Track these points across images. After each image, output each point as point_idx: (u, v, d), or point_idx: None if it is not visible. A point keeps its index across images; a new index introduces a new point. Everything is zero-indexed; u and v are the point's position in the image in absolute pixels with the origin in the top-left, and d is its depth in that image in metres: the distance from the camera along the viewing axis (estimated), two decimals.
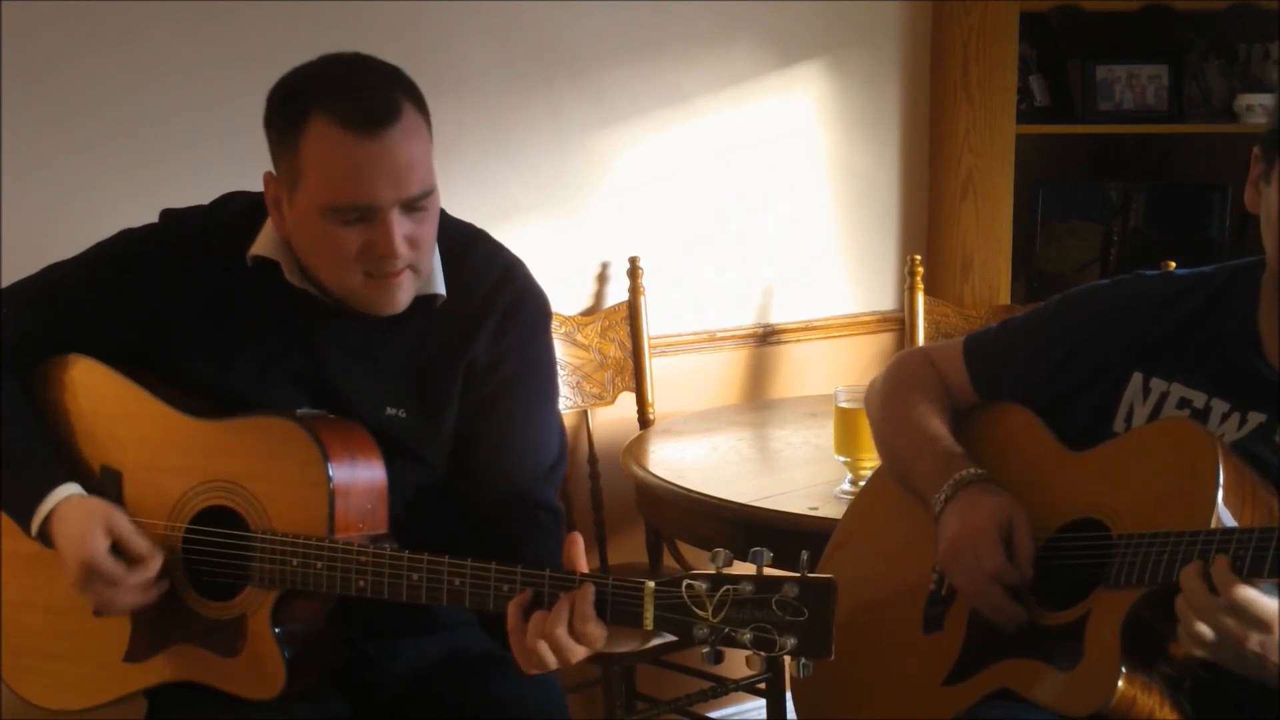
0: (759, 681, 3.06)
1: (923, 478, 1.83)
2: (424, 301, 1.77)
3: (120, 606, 1.71)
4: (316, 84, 1.65)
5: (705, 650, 1.50)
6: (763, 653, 1.48)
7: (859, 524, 2.00)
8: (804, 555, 1.50)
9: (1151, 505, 1.62)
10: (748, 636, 1.48)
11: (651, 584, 1.52)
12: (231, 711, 1.70)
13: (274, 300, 1.77)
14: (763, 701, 3.11)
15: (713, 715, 3.23)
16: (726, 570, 1.50)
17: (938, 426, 1.86)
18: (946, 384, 1.93)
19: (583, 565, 1.58)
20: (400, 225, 1.66)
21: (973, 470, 1.77)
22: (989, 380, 1.90)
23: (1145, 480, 1.65)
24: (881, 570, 1.89)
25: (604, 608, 1.54)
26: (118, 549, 1.70)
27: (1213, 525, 1.53)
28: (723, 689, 3.00)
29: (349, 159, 1.62)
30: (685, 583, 1.50)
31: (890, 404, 1.95)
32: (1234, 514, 1.55)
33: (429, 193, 1.68)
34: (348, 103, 1.62)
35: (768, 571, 1.50)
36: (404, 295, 1.71)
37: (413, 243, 1.68)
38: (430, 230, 1.71)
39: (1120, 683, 1.53)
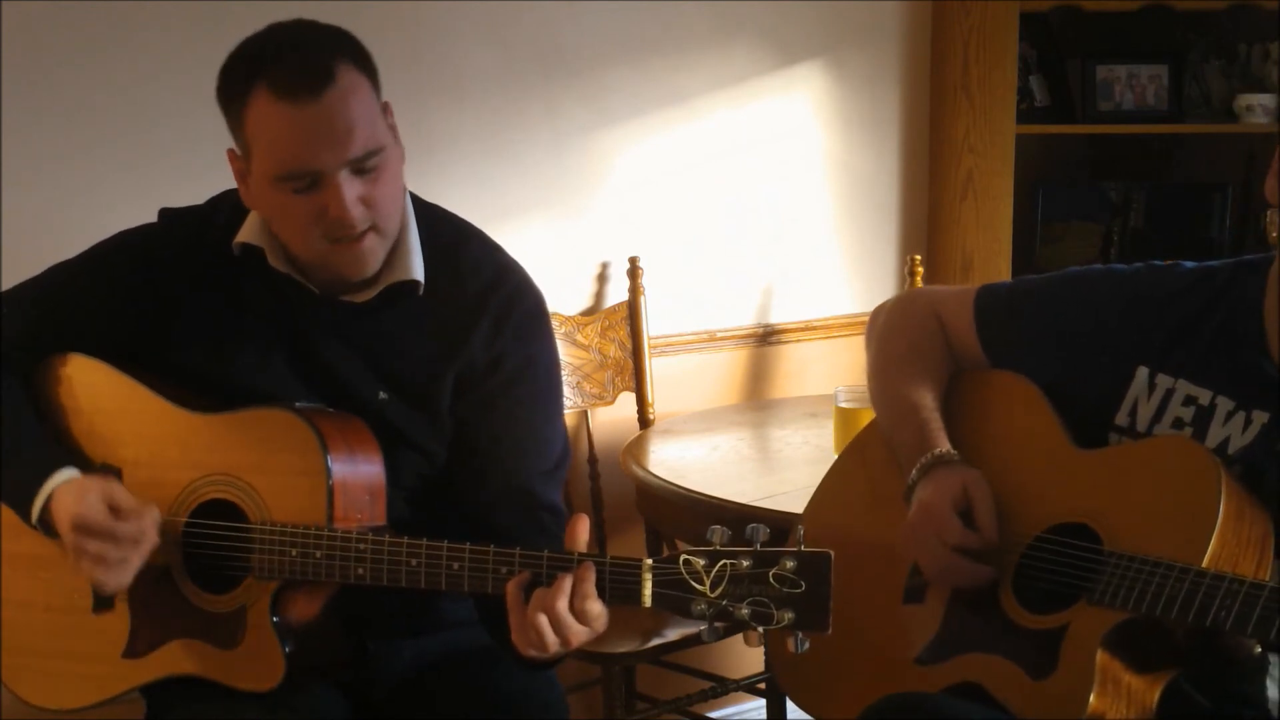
0: (759, 681, 3.06)
1: (901, 448, 1.84)
2: (405, 288, 1.77)
3: (116, 566, 1.67)
4: (251, 56, 1.67)
5: (704, 627, 1.51)
6: (760, 627, 1.49)
7: (844, 479, 1.98)
8: (800, 530, 1.51)
9: (1147, 524, 1.61)
10: (745, 611, 1.49)
11: (649, 561, 1.52)
12: (230, 708, 1.70)
13: (263, 288, 1.78)
14: (763, 701, 3.11)
15: (713, 715, 3.23)
16: (724, 546, 1.51)
17: (923, 393, 1.85)
18: (949, 333, 1.91)
19: (584, 546, 1.58)
20: (351, 187, 1.66)
21: (938, 451, 1.77)
22: (997, 338, 1.87)
23: (1144, 498, 1.65)
24: (866, 529, 1.88)
25: (602, 587, 1.55)
26: (111, 510, 1.68)
27: (1205, 561, 1.53)
28: (723, 689, 3.00)
29: (287, 127, 1.63)
30: (683, 558, 1.51)
31: (884, 354, 1.95)
32: (1229, 549, 1.55)
33: (376, 151, 1.67)
34: (281, 71, 1.63)
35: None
36: (372, 258, 1.72)
37: (368, 203, 1.68)
38: (388, 191, 1.70)
39: (1092, 698, 1.53)
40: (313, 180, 1.65)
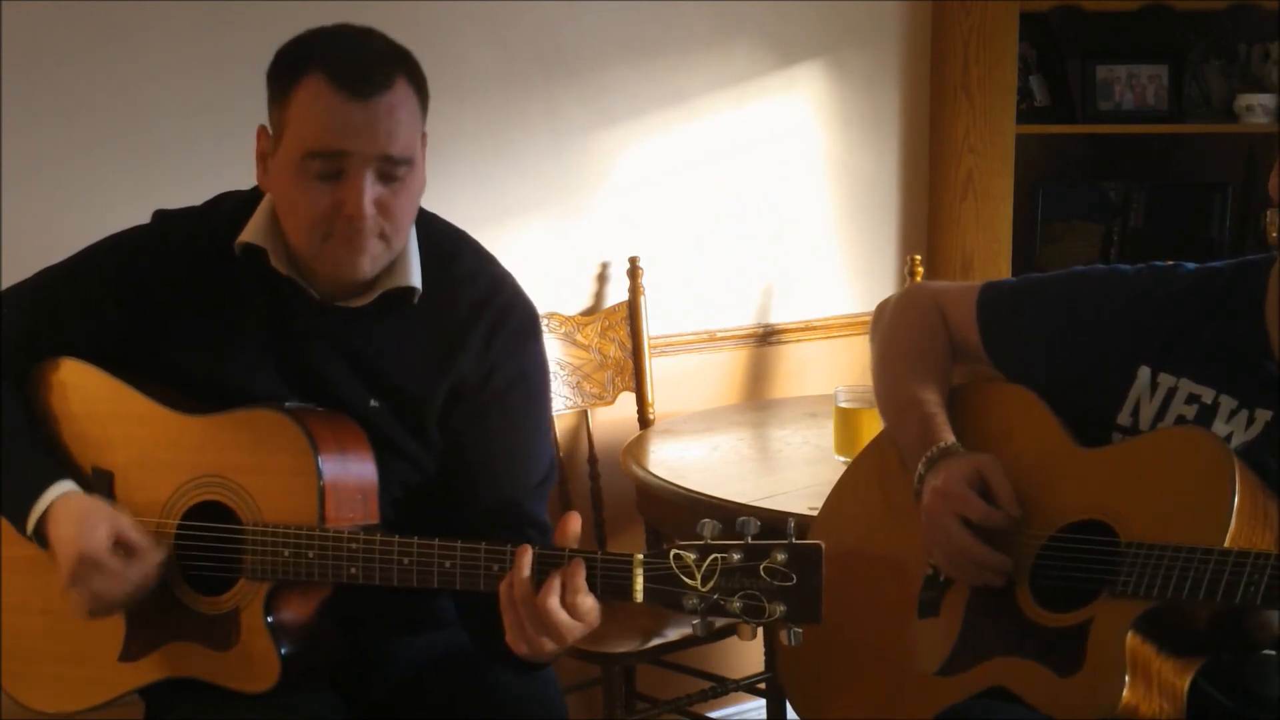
0: (759, 681, 3.06)
1: (906, 444, 1.84)
2: (401, 295, 1.77)
3: (114, 601, 1.70)
4: (321, 44, 1.70)
5: (695, 622, 1.52)
6: (752, 620, 1.49)
7: (851, 495, 1.98)
8: (791, 522, 1.51)
9: (1162, 515, 1.61)
10: (737, 605, 1.49)
11: (640, 555, 1.53)
12: (228, 709, 1.70)
13: (261, 291, 1.78)
14: (763, 701, 3.11)
15: (713, 715, 3.23)
16: (715, 540, 1.51)
17: (927, 390, 1.85)
18: (952, 330, 1.91)
19: (575, 542, 1.58)
20: (372, 188, 1.67)
21: (944, 444, 1.77)
22: (998, 335, 1.88)
23: (1157, 488, 1.64)
24: (875, 544, 1.88)
25: (593, 581, 1.55)
26: (117, 545, 1.69)
27: (1226, 543, 1.52)
28: (723, 689, 3.00)
29: (332, 111, 1.65)
30: (674, 553, 1.51)
31: (887, 352, 1.95)
32: (1246, 532, 1.54)
33: (407, 162, 1.69)
34: (345, 66, 1.65)
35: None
36: (368, 261, 1.71)
37: (383, 210, 1.68)
38: (405, 205, 1.71)
39: (1125, 690, 1.53)
40: (338, 169, 1.66)
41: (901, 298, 2.00)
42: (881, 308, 2.02)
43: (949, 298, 1.94)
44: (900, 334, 1.94)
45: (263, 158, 1.74)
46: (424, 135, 1.77)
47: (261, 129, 1.74)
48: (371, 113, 1.65)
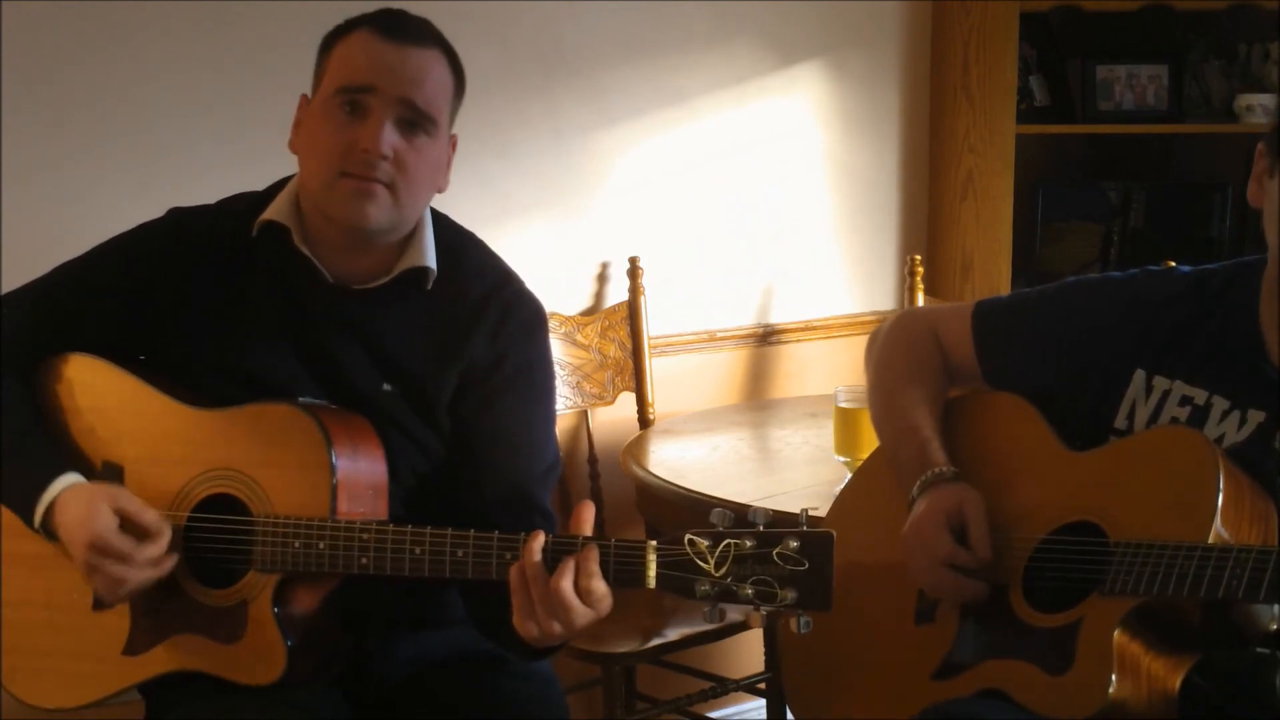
0: (759, 681, 3.06)
1: (902, 467, 1.85)
2: (415, 278, 1.79)
3: (130, 586, 1.68)
4: (369, 14, 1.79)
5: (707, 609, 1.52)
6: (763, 606, 1.50)
7: (854, 505, 2.00)
8: (803, 511, 1.52)
9: (1149, 514, 1.62)
10: (749, 590, 1.50)
11: (653, 542, 1.54)
12: (231, 707, 1.70)
13: (277, 274, 1.80)
14: (763, 701, 3.11)
15: (713, 715, 3.23)
16: (728, 528, 1.52)
17: (922, 413, 1.87)
18: (946, 351, 1.93)
19: (589, 531, 1.59)
20: (390, 133, 1.71)
21: (939, 469, 1.79)
22: (994, 351, 1.89)
23: (1144, 487, 1.65)
24: (875, 553, 1.89)
25: (606, 568, 1.56)
26: (125, 528, 1.68)
27: (1210, 539, 1.53)
28: (723, 689, 2.99)
29: (368, 52, 1.74)
30: (687, 538, 1.52)
31: (882, 375, 1.97)
32: (1232, 527, 1.56)
33: (430, 120, 1.74)
34: (389, 18, 1.77)
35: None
36: (375, 211, 1.72)
37: (398, 160, 1.72)
38: (420, 167, 1.74)
39: (1113, 684, 1.54)
40: (363, 105, 1.71)
41: (895, 323, 2.02)
42: (874, 334, 2.04)
43: (942, 319, 1.96)
44: (895, 358, 1.96)
45: (297, 123, 1.79)
46: (454, 138, 1.82)
47: (302, 96, 1.80)
48: (404, 56, 1.72)
